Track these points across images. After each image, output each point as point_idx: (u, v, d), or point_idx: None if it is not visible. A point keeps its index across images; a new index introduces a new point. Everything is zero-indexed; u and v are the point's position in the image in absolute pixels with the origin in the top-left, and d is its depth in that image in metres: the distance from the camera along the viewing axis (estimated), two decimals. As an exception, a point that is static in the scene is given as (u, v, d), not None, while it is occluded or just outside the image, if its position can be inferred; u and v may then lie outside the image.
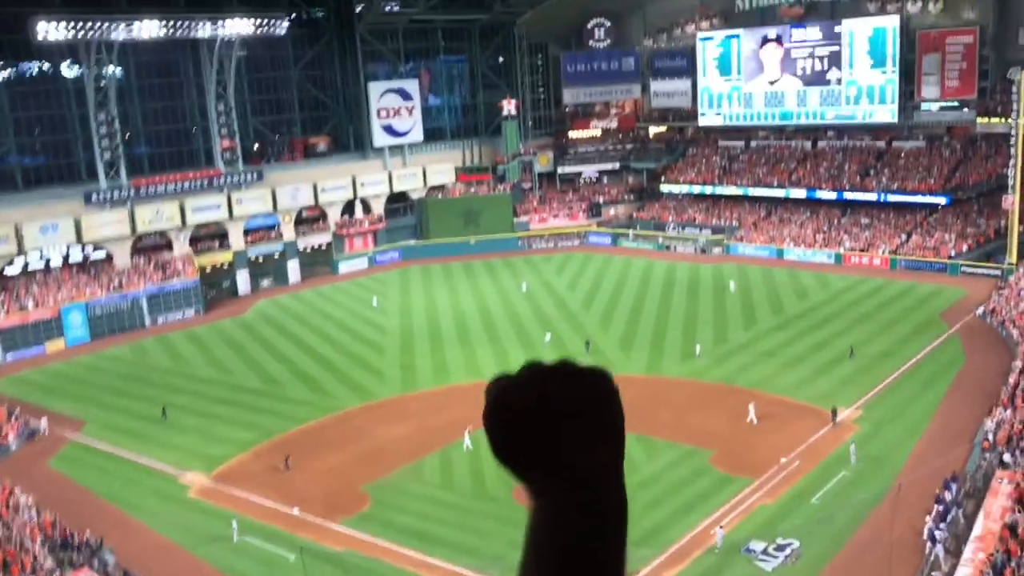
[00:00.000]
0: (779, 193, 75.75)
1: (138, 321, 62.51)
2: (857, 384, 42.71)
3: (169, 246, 68.23)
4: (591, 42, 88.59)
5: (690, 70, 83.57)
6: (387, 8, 78.27)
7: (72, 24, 59.38)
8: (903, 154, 73.25)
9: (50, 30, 58.93)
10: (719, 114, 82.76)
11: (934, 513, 29.14)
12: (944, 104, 70.87)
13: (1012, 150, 58.94)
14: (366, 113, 79.85)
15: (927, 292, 57.69)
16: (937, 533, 28.18)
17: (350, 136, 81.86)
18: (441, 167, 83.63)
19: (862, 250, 67.20)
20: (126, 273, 64.33)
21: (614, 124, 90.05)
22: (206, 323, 62.62)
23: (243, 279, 70.98)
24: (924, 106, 71.74)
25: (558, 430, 1.57)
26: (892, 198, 69.63)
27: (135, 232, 66.07)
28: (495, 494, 33.91)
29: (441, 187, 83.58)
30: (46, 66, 66.68)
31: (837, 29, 73.93)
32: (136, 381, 51.33)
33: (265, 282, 72.38)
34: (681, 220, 78.42)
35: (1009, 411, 34.75)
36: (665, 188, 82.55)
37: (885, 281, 60.97)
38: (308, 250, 75.47)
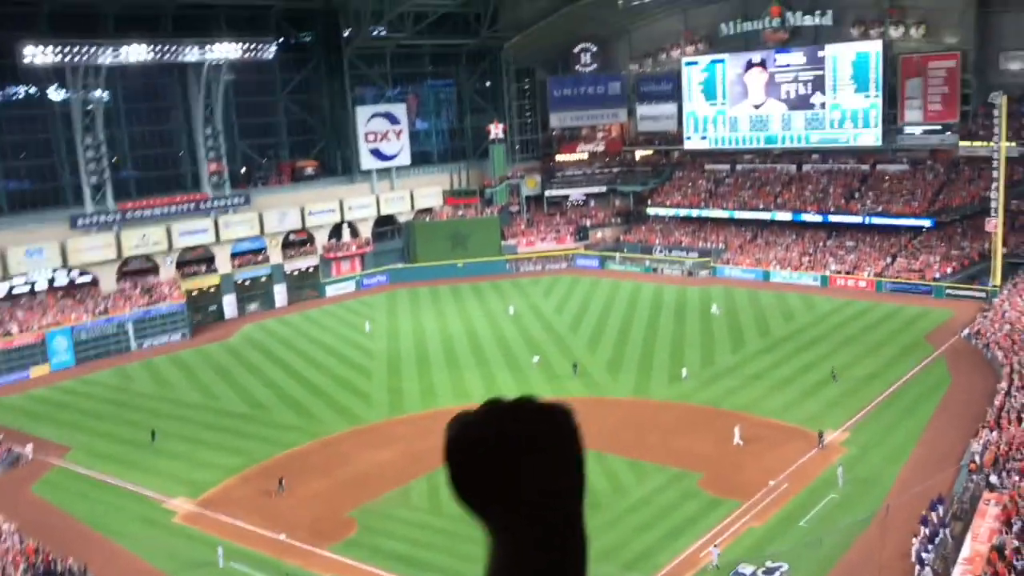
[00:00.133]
0: (765, 216, 76.19)
1: (124, 346, 62.14)
2: (844, 406, 42.81)
3: (155, 270, 67.98)
4: (577, 66, 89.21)
5: (676, 94, 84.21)
6: (374, 33, 78.58)
7: (59, 48, 59.38)
8: (887, 177, 73.86)
9: (37, 54, 58.89)
10: (705, 138, 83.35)
11: (920, 535, 29.17)
12: (927, 128, 71.60)
13: (994, 173, 59.51)
14: (353, 137, 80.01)
15: (913, 314, 57.99)
16: (925, 555, 28.18)
17: (338, 160, 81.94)
18: (429, 190, 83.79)
19: (848, 273, 67.56)
20: (112, 297, 64.02)
21: (601, 148, 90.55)
22: (192, 347, 62.30)
23: (230, 303, 70.73)
24: (907, 130, 72.47)
25: (518, 466, 1.56)
26: (877, 221, 70.13)
27: (121, 256, 65.80)
28: (483, 518, 33.76)
29: (429, 210, 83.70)
30: (32, 90, 66.57)
31: (820, 54, 74.71)
32: (121, 406, 50.94)
33: (252, 306, 72.13)
34: (668, 243, 78.73)
35: (995, 433, 34.88)
36: (652, 211, 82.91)
37: (871, 303, 61.27)
38: (295, 274, 75.33)
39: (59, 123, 65.74)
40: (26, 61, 58.97)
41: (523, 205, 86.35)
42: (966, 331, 52.22)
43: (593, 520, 30.34)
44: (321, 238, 77.42)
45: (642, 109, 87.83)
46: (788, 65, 76.75)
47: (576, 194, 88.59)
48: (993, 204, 59.70)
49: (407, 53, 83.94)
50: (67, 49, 59.70)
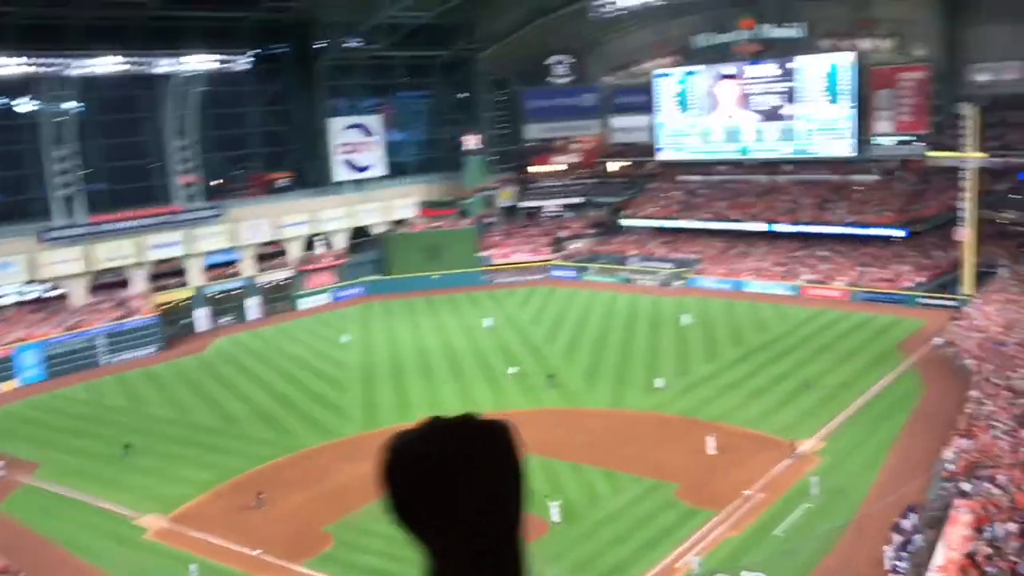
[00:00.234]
0: (738, 227, 76.64)
1: (95, 360, 61.40)
2: (818, 415, 43.02)
3: (127, 283, 67.30)
4: (552, 78, 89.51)
5: (649, 106, 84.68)
6: (348, 44, 78.46)
7: (28, 60, 58.78)
8: (859, 187, 74.55)
9: (5, 65, 58.27)
10: (678, 149, 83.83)
11: (893, 543, 29.30)
12: (898, 138, 72.47)
13: (964, 183, 60.19)
14: (328, 148, 79.76)
15: (885, 323, 58.46)
16: (899, 564, 28.30)
17: (312, 171, 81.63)
18: (403, 202, 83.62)
19: (821, 282, 68.04)
20: (82, 312, 63.28)
21: (576, 159, 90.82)
22: (164, 361, 61.67)
23: (202, 316, 70.12)
24: (878, 140, 73.31)
25: (456, 484, 1.54)
26: (849, 231, 70.73)
27: (92, 270, 65.11)
28: (459, 532, 33.58)
29: (404, 222, 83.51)
30: (1, 101, 65.84)
31: (792, 66, 75.41)
32: (92, 421, 50.32)
33: (225, 319, 71.55)
34: (643, 254, 78.97)
35: (967, 440, 35.15)
36: (626, 222, 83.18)
37: (844, 313, 61.71)
38: (269, 286, 74.84)
39: (28, 135, 65.00)
40: (-6, 73, 58.37)
41: (499, 216, 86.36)
42: (938, 340, 52.69)
43: (569, 532, 30.20)
44: (295, 250, 77.01)
45: (616, 121, 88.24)
46: (760, 77, 77.41)
47: (551, 205, 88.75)
48: (963, 214, 60.37)
49: (382, 64, 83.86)
50: (36, 60, 59.09)
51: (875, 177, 74.75)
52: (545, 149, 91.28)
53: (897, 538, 29.62)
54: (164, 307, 67.40)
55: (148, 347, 63.66)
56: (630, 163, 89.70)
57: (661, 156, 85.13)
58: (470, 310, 70.13)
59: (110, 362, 61.77)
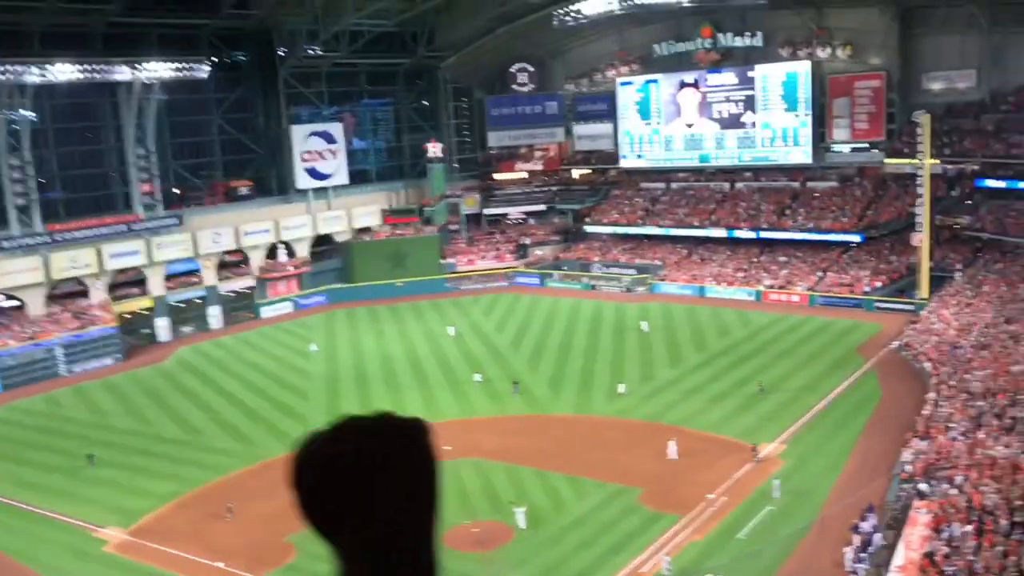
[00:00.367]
0: (700, 233, 77.36)
1: (53, 371, 60.39)
2: (779, 419, 43.52)
3: (86, 293, 66.37)
4: (514, 86, 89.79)
5: (611, 114, 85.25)
6: (309, 52, 78.13)
7: (-17, 67, 57.91)
8: (817, 194, 75.61)
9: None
10: (640, 156, 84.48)
11: (853, 544, 29.74)
12: (855, 145, 73.67)
13: (919, 189, 61.31)
14: (289, 156, 79.29)
15: (844, 327, 59.28)
16: (859, 565, 28.72)
17: (273, 179, 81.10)
18: (367, 209, 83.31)
19: (781, 287, 68.86)
20: (40, 322, 62.29)
21: (539, 166, 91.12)
22: (125, 372, 60.83)
23: (163, 326, 69.29)
24: (836, 147, 74.46)
25: (371, 484, 1.52)
26: (808, 237, 71.70)
27: (50, 279, 64.15)
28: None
29: (367, 230, 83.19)
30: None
31: (751, 74, 76.35)
32: (50, 433, 49.48)
33: (186, 328, 70.78)
34: (606, 260, 79.40)
35: (925, 442, 35.76)
36: (590, 229, 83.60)
37: (803, 317, 62.48)
38: (230, 295, 74.16)
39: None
40: (-52, 80, 57.39)
41: (462, 224, 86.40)
42: (895, 343, 53.55)
43: (535, 538, 30.23)
44: (257, 259, 76.41)
45: (579, 128, 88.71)
46: (720, 85, 78.26)
47: (515, 212, 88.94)
48: (918, 219, 61.46)
49: (343, 72, 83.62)
50: (-9, 67, 58.22)
51: (833, 184, 75.89)
52: (509, 156, 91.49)
53: (857, 539, 30.07)
54: (124, 317, 66.51)
55: (108, 357, 62.74)
56: (593, 170, 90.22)
57: (624, 164, 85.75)
58: (434, 318, 70.03)
59: (69, 373, 60.83)
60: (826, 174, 76.41)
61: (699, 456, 39.57)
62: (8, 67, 58.93)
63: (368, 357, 60.37)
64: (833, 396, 46.40)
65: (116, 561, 34.37)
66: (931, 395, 41.43)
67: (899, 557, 28.19)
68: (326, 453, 1.55)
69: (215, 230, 72.94)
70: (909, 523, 30.06)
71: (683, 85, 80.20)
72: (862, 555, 29.32)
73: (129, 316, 67.41)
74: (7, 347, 59.22)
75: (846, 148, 74.18)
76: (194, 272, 72.46)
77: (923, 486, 32.00)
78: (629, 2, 74.56)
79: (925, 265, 61.44)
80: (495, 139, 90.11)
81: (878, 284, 65.29)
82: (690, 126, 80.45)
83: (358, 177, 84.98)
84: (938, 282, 61.21)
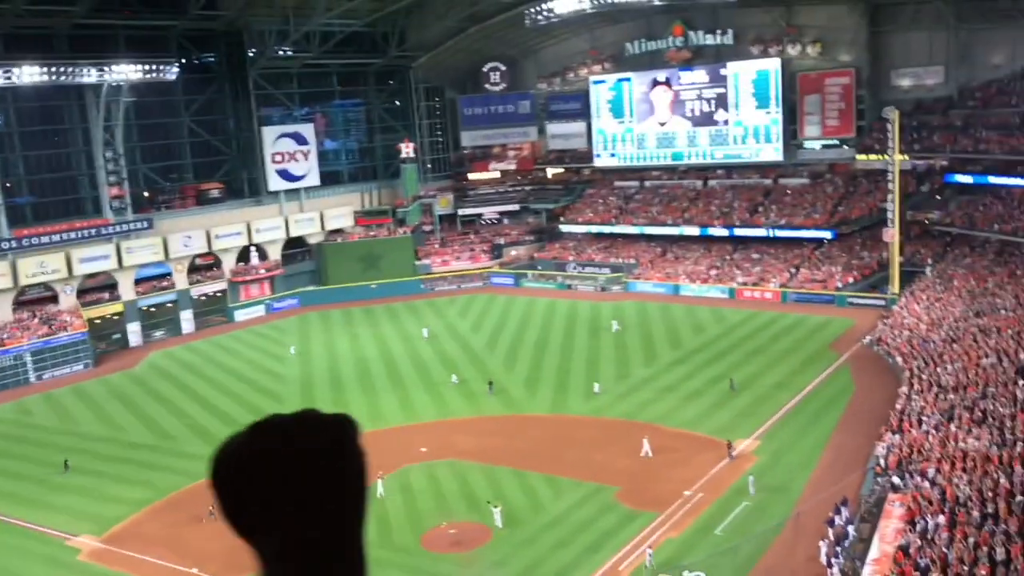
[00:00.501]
0: (673, 231, 77.64)
1: (22, 378, 59.60)
2: (754, 416, 43.73)
3: (55, 298, 65.53)
4: (487, 85, 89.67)
5: (584, 112, 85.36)
6: (280, 52, 77.56)
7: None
8: (789, 191, 76.14)
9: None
10: (614, 155, 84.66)
11: (827, 537, 29.93)
12: (825, 142, 74.25)
13: (889, 185, 61.88)
14: (260, 158, 78.69)
15: (817, 323, 59.70)
16: (834, 560, 28.90)
17: (244, 181, 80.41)
18: (339, 211, 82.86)
19: (754, 284, 69.24)
20: (7, 328, 61.42)
21: (512, 166, 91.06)
22: (96, 378, 60.13)
23: (134, 331, 68.56)
24: (807, 144, 75.02)
25: (291, 482, 1.48)
26: (780, 234, 72.16)
27: (17, 285, 63.28)
28: (402, 544, 33.38)
29: (339, 231, 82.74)
30: (-82, 113, 63.76)
31: (723, 72, 76.73)
32: (20, 441, 48.81)
33: (158, 333, 70.10)
34: (581, 259, 79.49)
35: (898, 436, 36.07)
36: (564, 228, 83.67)
37: (777, 314, 62.85)
38: (202, 299, 73.51)
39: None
40: (-90, 83, 56.43)
41: (436, 224, 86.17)
42: (868, 338, 54.00)
43: (512, 537, 30.18)
44: (229, 262, 75.77)
45: (552, 127, 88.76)
46: (692, 83, 78.60)
47: (489, 212, 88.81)
48: (889, 215, 62.02)
49: (314, 73, 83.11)
50: (-45, 71, 57.34)
51: (804, 181, 76.44)
52: (482, 156, 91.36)
53: (831, 533, 30.27)
54: (95, 322, 65.73)
55: (78, 363, 61.99)
56: (566, 169, 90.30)
57: (597, 162, 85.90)
58: (410, 319, 69.78)
59: (39, 379, 60.02)
60: (798, 171, 76.96)
61: (675, 453, 39.69)
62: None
63: (343, 360, 60.05)
64: (807, 392, 46.71)
65: (91, 570, 33.96)
66: (903, 389, 41.82)
67: (874, 550, 28.42)
68: (244, 452, 1.50)
69: (186, 233, 72.26)
70: (883, 516, 30.33)
71: (655, 83, 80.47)
72: (837, 549, 29.52)
73: (99, 321, 66.61)
74: (-25, 354, 58.35)
75: (817, 145, 74.77)
76: (165, 276, 71.79)
77: (897, 480, 32.29)
78: (601, 1, 74.71)
79: (896, 260, 62.00)
80: (468, 139, 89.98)
81: (850, 280, 65.81)
82: (663, 124, 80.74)
83: (330, 178, 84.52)
84: (909, 277, 61.82)
